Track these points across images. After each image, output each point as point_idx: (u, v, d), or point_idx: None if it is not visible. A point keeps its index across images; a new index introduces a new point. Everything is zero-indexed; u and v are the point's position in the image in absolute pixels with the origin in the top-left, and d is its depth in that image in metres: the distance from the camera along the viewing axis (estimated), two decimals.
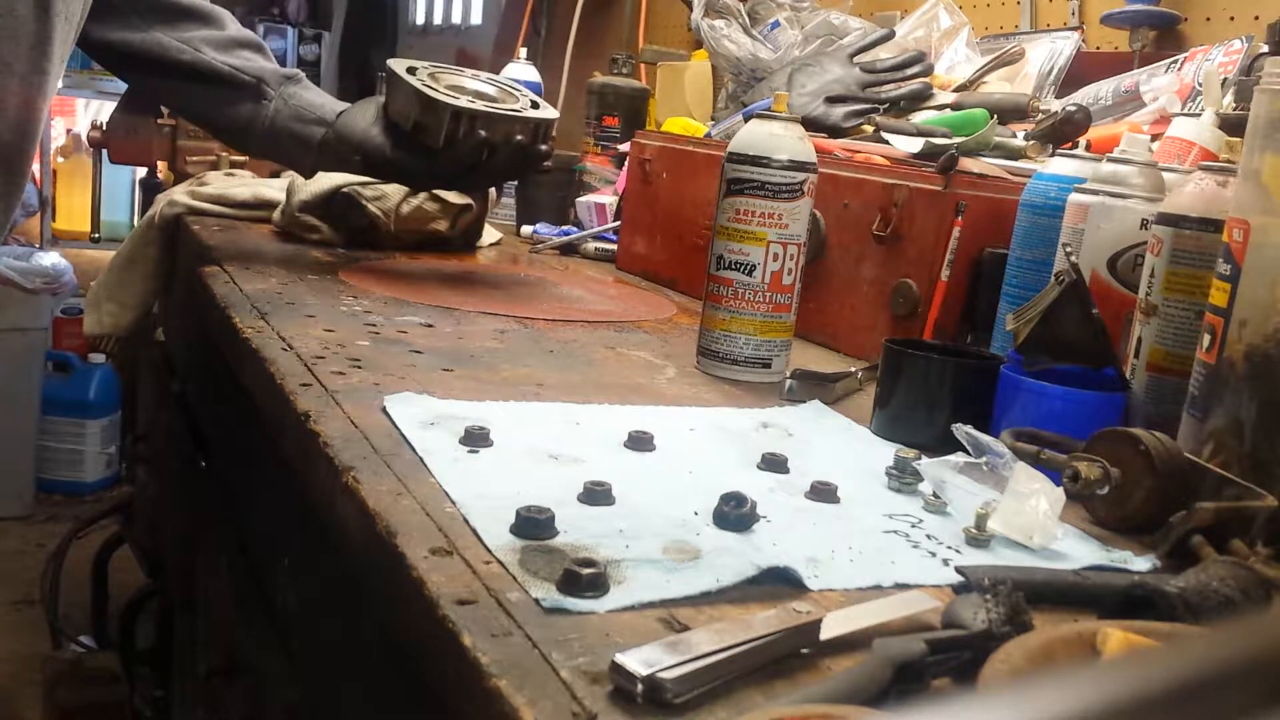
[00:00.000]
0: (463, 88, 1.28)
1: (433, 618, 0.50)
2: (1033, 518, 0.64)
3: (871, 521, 0.67)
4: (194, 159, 1.92)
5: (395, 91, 1.26)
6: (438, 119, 1.22)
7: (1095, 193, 0.88)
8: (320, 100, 1.30)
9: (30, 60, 1.03)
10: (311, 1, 4.72)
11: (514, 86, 1.33)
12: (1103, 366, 0.82)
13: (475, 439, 0.71)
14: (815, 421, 0.88)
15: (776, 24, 1.71)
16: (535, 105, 1.30)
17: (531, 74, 2.07)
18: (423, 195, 1.52)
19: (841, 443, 0.83)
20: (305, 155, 1.30)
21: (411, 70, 1.26)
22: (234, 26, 1.31)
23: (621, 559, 0.55)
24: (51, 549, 2.39)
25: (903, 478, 0.73)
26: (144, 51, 1.26)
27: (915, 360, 0.86)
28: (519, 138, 1.24)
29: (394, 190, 1.51)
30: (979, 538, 0.64)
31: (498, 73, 1.57)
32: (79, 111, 4.28)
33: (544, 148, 1.28)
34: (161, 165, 2.05)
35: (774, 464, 0.74)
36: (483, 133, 1.22)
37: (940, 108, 1.44)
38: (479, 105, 1.24)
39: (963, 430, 0.72)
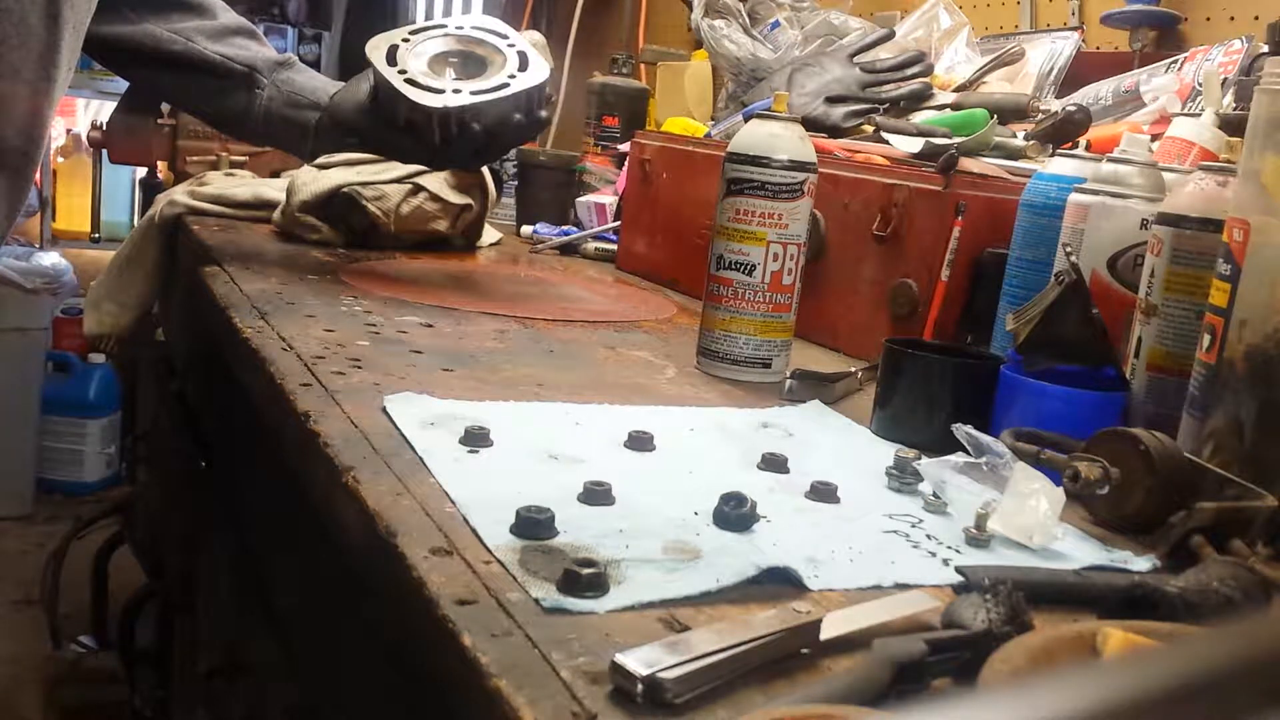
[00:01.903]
0: (445, 57, 1.24)
1: (433, 618, 0.50)
2: (1033, 518, 0.64)
3: (871, 521, 0.67)
4: (194, 159, 1.91)
5: (381, 87, 1.22)
6: (427, 121, 1.19)
7: (1095, 193, 0.88)
8: (313, 84, 1.29)
9: (38, 68, 1.03)
10: (311, 1, 4.71)
11: (499, 35, 1.27)
12: (1103, 366, 0.82)
13: (475, 439, 0.71)
14: (815, 421, 0.88)
15: (776, 24, 1.71)
16: (523, 61, 1.23)
17: None
18: (423, 195, 1.52)
19: (841, 443, 0.83)
20: (302, 140, 1.29)
21: (392, 54, 1.21)
22: (226, 15, 1.31)
23: (621, 559, 0.55)
24: (51, 549, 2.39)
25: (903, 478, 0.73)
26: (136, 44, 1.26)
27: (915, 360, 0.86)
28: (516, 116, 1.21)
29: (394, 190, 1.50)
30: (979, 538, 0.64)
31: None
32: (79, 111, 4.27)
33: (543, 113, 1.25)
34: (161, 165, 2.05)
35: (774, 464, 0.74)
36: (476, 125, 1.19)
37: (940, 108, 1.44)
38: (465, 96, 1.18)
39: (963, 430, 0.72)
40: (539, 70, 1.23)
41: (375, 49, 1.23)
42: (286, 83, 1.28)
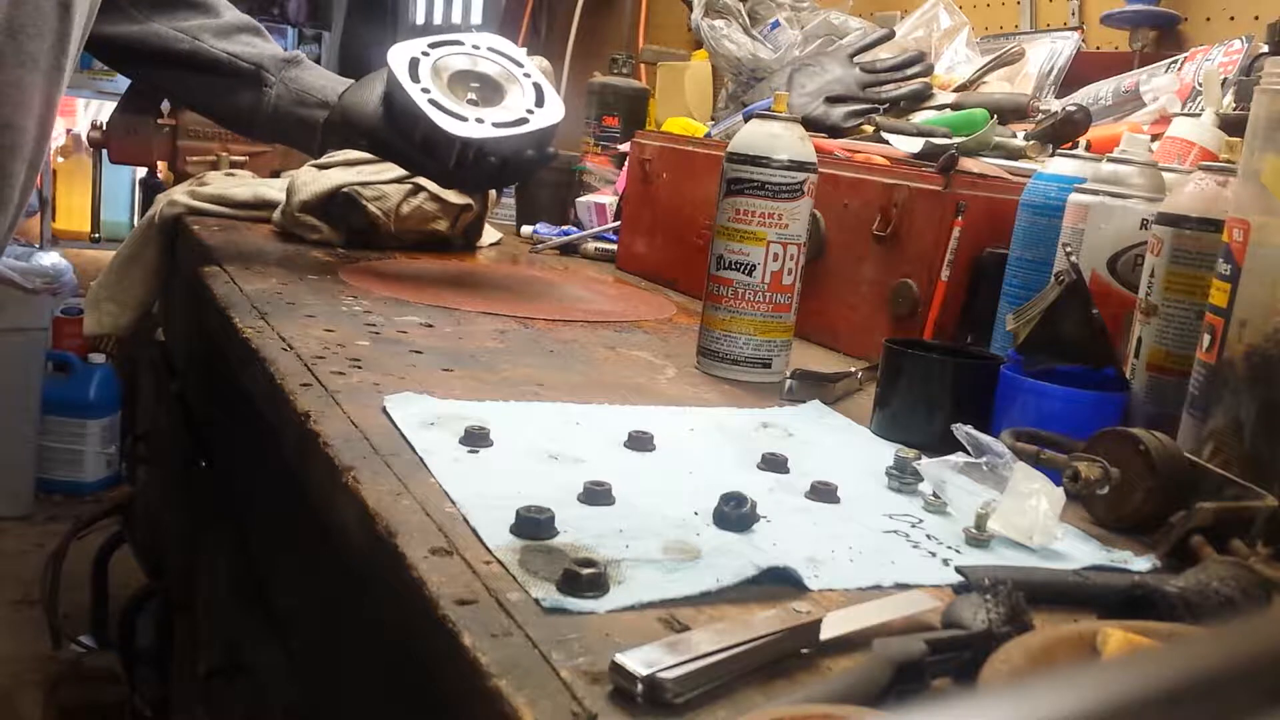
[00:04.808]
0: (466, 79, 1.24)
1: (433, 618, 0.50)
2: (1033, 518, 0.64)
3: (871, 521, 0.67)
4: (194, 159, 1.91)
5: (398, 99, 1.21)
6: (446, 145, 1.19)
7: (1095, 193, 0.88)
8: (322, 82, 1.29)
9: (52, 57, 1.03)
10: (311, 1, 4.71)
11: (515, 63, 1.27)
12: (1103, 366, 0.82)
13: (475, 439, 0.71)
14: (815, 421, 0.88)
15: (776, 24, 1.71)
16: (539, 96, 1.25)
17: None
18: (423, 195, 1.52)
19: (841, 443, 0.83)
20: (310, 138, 1.29)
21: (414, 68, 1.21)
22: (230, 12, 1.31)
23: (621, 559, 0.55)
24: (51, 549, 2.39)
25: (903, 478, 0.73)
26: (142, 43, 1.26)
27: (915, 360, 0.86)
28: (529, 152, 1.23)
29: (394, 190, 1.50)
30: (979, 538, 0.64)
31: None
32: (79, 111, 4.27)
33: (551, 150, 1.27)
34: (161, 165, 2.04)
35: (774, 464, 0.74)
36: (492, 159, 1.20)
37: (940, 108, 1.44)
38: (487, 128, 1.19)
39: (963, 430, 0.72)
40: (555, 109, 1.24)
41: (397, 60, 1.22)
42: (294, 81, 1.28)
